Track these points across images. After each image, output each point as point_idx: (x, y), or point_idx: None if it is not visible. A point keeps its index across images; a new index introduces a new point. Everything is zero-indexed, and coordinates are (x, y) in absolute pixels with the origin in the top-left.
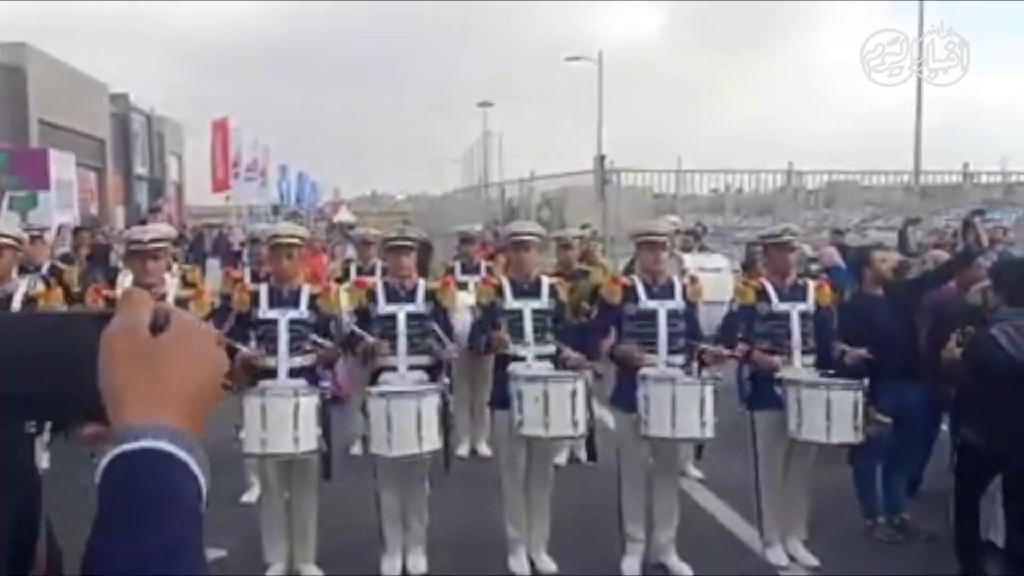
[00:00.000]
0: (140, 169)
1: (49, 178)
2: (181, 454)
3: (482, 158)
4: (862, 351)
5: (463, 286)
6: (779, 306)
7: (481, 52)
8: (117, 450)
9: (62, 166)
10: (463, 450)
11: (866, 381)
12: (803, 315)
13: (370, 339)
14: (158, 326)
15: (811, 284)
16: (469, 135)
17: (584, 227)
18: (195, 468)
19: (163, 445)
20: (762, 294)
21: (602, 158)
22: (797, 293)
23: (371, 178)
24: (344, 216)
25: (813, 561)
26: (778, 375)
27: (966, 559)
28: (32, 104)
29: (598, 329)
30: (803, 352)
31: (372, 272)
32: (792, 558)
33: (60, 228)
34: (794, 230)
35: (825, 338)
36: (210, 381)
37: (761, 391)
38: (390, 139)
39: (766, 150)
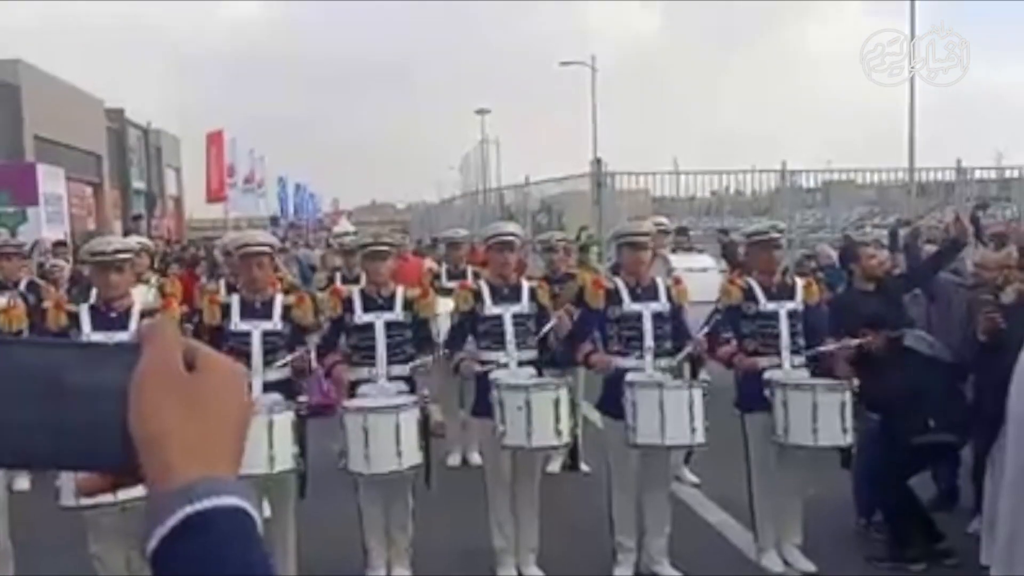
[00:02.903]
0: (137, 183)
1: (38, 193)
2: (249, 507)
3: (480, 164)
4: (846, 341)
5: (449, 292)
6: (767, 305)
7: (478, 58)
8: (187, 511)
9: (51, 180)
10: (454, 459)
11: (855, 381)
12: (791, 314)
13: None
14: (188, 363)
15: (799, 282)
16: (467, 142)
17: (582, 230)
18: (259, 521)
19: (235, 501)
20: (749, 293)
21: (598, 161)
22: (785, 292)
23: (371, 187)
24: (344, 226)
25: (809, 566)
26: (766, 377)
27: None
28: (27, 121)
29: (576, 335)
30: (792, 352)
31: (357, 280)
32: (787, 562)
33: (35, 244)
34: (780, 227)
35: (816, 337)
36: (247, 420)
37: (751, 393)
38: (389, 148)
39: (762, 150)
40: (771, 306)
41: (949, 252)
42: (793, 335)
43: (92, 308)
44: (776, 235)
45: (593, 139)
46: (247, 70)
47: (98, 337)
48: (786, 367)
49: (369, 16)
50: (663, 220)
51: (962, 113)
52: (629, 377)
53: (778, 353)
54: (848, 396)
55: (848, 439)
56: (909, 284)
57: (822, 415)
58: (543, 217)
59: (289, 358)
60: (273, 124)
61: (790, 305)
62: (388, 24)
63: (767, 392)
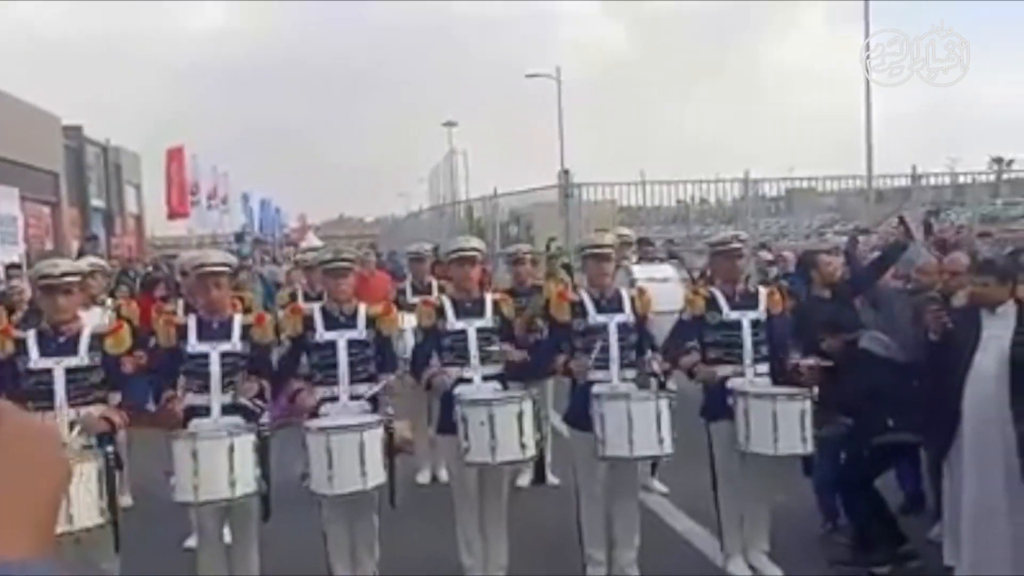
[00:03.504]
0: (96, 201)
1: None
2: None
3: (448, 177)
4: (812, 361)
5: (414, 308)
6: (730, 315)
7: (444, 72)
8: None
9: (5, 201)
10: (424, 477)
11: (815, 389)
12: (755, 323)
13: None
14: None
15: (762, 291)
16: (435, 155)
17: (551, 241)
18: None
19: None
20: (712, 303)
21: (565, 172)
22: (748, 301)
23: (338, 202)
24: (311, 241)
25: (776, 571)
26: (729, 386)
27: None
28: None
29: (550, 348)
30: (756, 361)
31: (320, 297)
32: (753, 568)
33: None
34: (742, 237)
35: (779, 346)
36: (54, 493)
37: (714, 402)
38: (356, 162)
39: (726, 161)
40: (734, 315)
41: (890, 255)
42: (756, 344)
43: (40, 333)
44: (739, 245)
45: (560, 151)
46: (208, 87)
47: (46, 363)
48: (749, 376)
49: (333, 28)
50: (626, 231)
51: (917, 123)
52: (596, 389)
53: (741, 362)
54: (808, 405)
55: (808, 447)
56: (853, 289)
57: (782, 424)
58: (512, 228)
59: (379, 387)
60: (237, 140)
61: (753, 314)
62: (353, 35)
63: (730, 401)
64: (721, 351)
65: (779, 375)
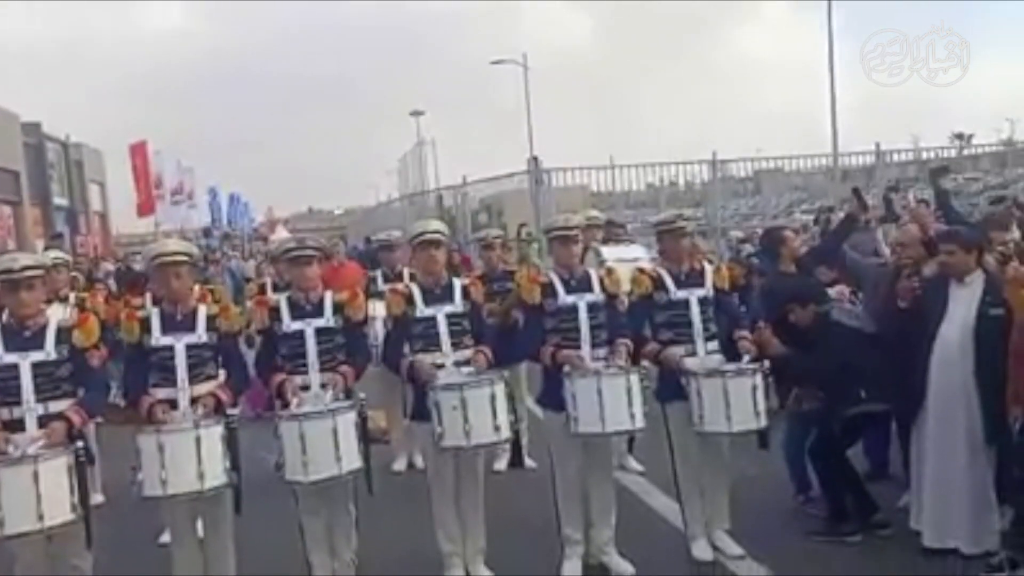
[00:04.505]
0: (59, 199)
1: None
2: None
3: (417, 166)
4: (748, 337)
5: (383, 296)
6: (677, 294)
7: (410, 63)
8: None
9: None
10: (400, 464)
11: (766, 363)
12: (702, 301)
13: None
14: None
15: (708, 268)
16: (404, 145)
17: (522, 227)
18: None
19: None
20: (659, 283)
21: (535, 159)
22: (694, 279)
23: (307, 195)
24: (281, 234)
25: (737, 550)
26: (680, 366)
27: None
28: None
29: (534, 334)
30: (706, 339)
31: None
32: (716, 548)
33: None
34: (686, 215)
35: (731, 322)
36: None
37: (668, 383)
38: (323, 154)
39: (696, 146)
40: (681, 294)
41: (845, 225)
42: (705, 322)
43: (4, 327)
44: (683, 223)
45: (529, 137)
46: (168, 89)
47: (11, 358)
48: (700, 354)
49: (300, 21)
50: (595, 213)
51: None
52: (567, 368)
53: (692, 341)
54: (759, 379)
55: (762, 421)
56: (816, 260)
57: (734, 400)
58: (483, 217)
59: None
60: (200, 140)
61: (699, 292)
62: (319, 30)
63: (683, 381)
64: (671, 331)
65: (731, 352)
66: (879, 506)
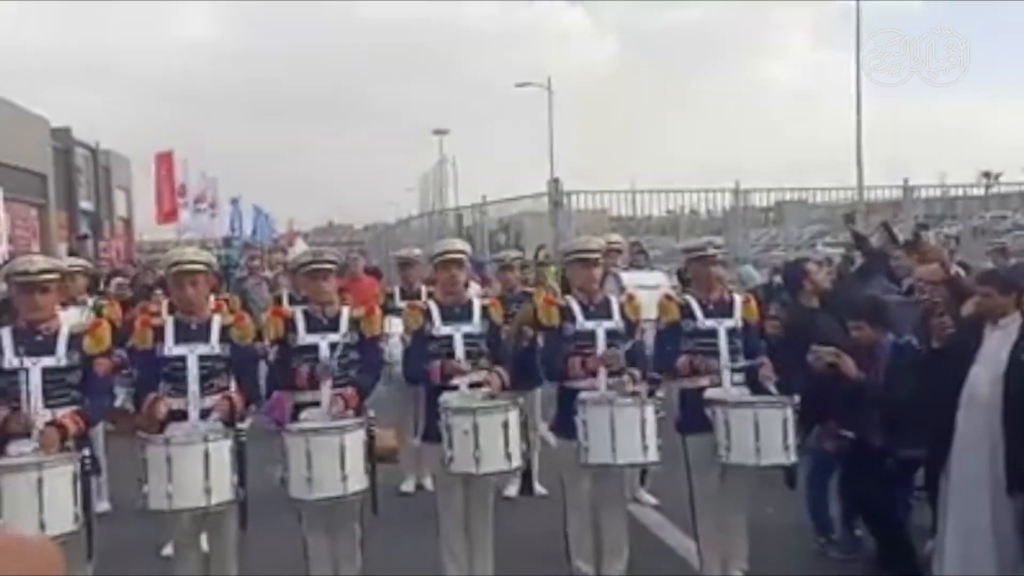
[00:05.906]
0: (85, 204)
1: None
2: None
3: (438, 184)
4: (764, 364)
5: (401, 312)
6: (705, 322)
7: (435, 83)
8: None
9: None
10: (408, 486)
11: (796, 398)
12: (730, 331)
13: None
14: None
15: (738, 299)
16: (424, 164)
17: (540, 249)
18: None
19: None
20: (686, 310)
21: (555, 181)
22: (723, 308)
23: (328, 209)
24: (300, 247)
25: None
26: (706, 396)
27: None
28: None
29: (558, 356)
30: (733, 370)
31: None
32: None
33: None
34: (717, 243)
35: (754, 355)
36: None
37: (691, 414)
38: (346, 169)
39: (717, 173)
40: (709, 323)
41: (877, 261)
42: (733, 353)
43: (16, 331)
44: (713, 251)
45: (550, 158)
46: (194, 101)
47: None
48: (726, 385)
49: (325, 40)
50: (616, 238)
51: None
52: (581, 396)
53: (717, 371)
54: (789, 413)
55: (791, 457)
56: (848, 290)
57: (764, 433)
58: (501, 237)
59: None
60: (224, 152)
61: (728, 322)
62: (344, 49)
63: (708, 412)
64: (698, 360)
65: (756, 385)
66: (916, 551)
